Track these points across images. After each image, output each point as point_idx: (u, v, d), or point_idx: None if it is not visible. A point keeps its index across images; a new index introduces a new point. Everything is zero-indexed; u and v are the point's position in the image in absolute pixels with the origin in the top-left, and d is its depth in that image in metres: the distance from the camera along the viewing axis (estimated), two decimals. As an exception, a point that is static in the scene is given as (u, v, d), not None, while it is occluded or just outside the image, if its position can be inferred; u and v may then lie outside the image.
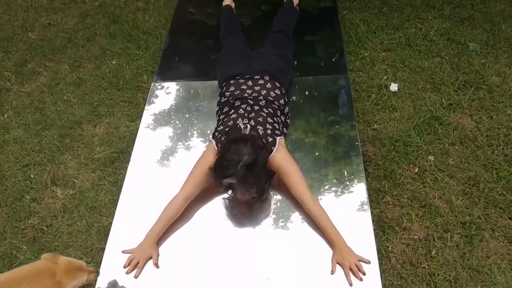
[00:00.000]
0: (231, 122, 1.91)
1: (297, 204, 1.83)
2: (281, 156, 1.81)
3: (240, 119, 1.90)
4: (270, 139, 1.82)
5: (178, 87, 2.48)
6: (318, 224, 1.72)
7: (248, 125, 1.86)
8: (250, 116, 1.92)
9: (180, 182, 1.83)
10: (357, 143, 2.06)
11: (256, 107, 1.97)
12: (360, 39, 2.88)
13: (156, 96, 2.43)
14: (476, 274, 1.79)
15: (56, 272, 1.36)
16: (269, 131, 1.86)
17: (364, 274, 1.60)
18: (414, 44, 2.80)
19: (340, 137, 2.09)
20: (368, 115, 2.42)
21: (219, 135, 1.88)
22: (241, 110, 1.96)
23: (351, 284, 1.59)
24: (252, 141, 1.71)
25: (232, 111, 1.98)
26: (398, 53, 2.76)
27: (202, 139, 2.17)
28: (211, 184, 1.81)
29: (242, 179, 1.64)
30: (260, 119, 1.91)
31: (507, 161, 2.16)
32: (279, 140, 1.85)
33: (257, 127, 1.86)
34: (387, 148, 2.25)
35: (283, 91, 2.14)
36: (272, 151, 1.80)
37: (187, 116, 2.30)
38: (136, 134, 2.25)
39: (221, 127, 1.93)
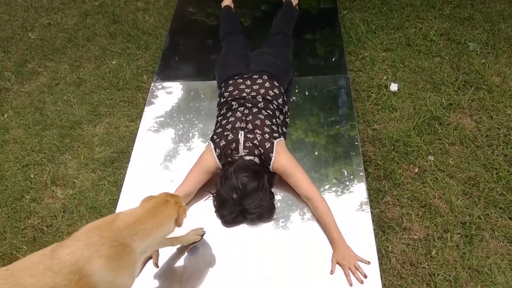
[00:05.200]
0: (230, 125, 1.91)
1: (297, 204, 1.83)
2: (283, 159, 1.81)
3: (238, 123, 1.91)
4: (268, 145, 1.82)
5: (178, 87, 2.48)
6: (323, 221, 1.73)
7: (243, 132, 1.85)
8: (247, 119, 1.92)
9: (180, 182, 1.84)
10: (357, 143, 2.06)
11: (254, 109, 1.97)
12: (360, 39, 2.87)
13: (156, 96, 2.44)
14: (476, 274, 1.79)
15: (167, 199, 1.41)
16: (266, 135, 1.86)
17: (364, 275, 1.61)
18: (414, 44, 2.80)
19: (340, 137, 2.09)
20: (368, 115, 2.42)
21: (217, 138, 1.88)
22: (238, 113, 1.96)
23: (351, 284, 1.59)
24: (245, 169, 1.71)
25: (230, 113, 1.98)
26: (398, 53, 2.75)
27: (202, 139, 2.17)
28: (210, 184, 1.82)
29: (243, 212, 1.74)
30: (258, 122, 1.91)
31: (507, 161, 2.16)
32: (277, 143, 1.85)
33: (255, 131, 1.87)
34: (387, 148, 2.25)
35: (282, 90, 2.14)
36: (271, 158, 1.80)
37: (187, 116, 2.30)
38: (136, 134, 2.25)
39: (220, 130, 1.93)
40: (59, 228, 2.13)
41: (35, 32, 3.43)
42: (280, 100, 2.08)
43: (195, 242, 1.73)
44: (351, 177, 1.93)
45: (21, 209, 2.24)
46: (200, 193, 1.88)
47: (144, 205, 1.41)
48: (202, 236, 1.74)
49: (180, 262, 1.72)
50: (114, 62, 3.01)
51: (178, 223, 1.41)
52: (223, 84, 2.19)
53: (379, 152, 2.24)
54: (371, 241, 1.71)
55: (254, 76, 2.13)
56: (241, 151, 1.81)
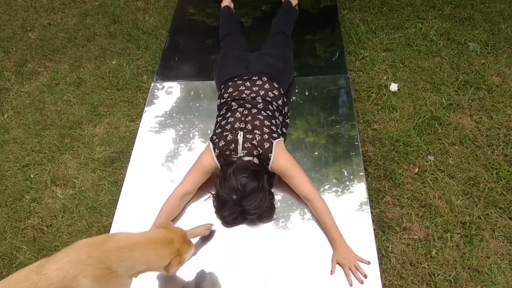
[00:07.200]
0: (229, 126, 1.91)
1: (297, 204, 1.83)
2: (282, 159, 1.81)
3: (237, 123, 1.91)
4: (267, 145, 1.82)
5: (178, 87, 2.48)
6: (322, 221, 1.73)
7: (242, 133, 1.85)
8: (247, 119, 1.92)
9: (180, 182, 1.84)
10: (357, 143, 2.06)
11: (254, 110, 1.96)
12: (360, 39, 2.87)
13: (156, 96, 2.44)
14: (476, 274, 1.79)
15: (174, 240, 1.35)
16: (266, 136, 1.86)
17: (365, 275, 1.61)
18: (414, 44, 2.80)
19: (340, 137, 2.09)
20: (368, 115, 2.42)
21: (216, 139, 1.88)
22: (237, 113, 1.96)
23: (351, 284, 1.59)
24: (244, 170, 1.71)
25: (229, 114, 1.98)
26: (398, 53, 2.75)
27: (202, 139, 2.17)
28: (210, 184, 1.82)
29: (243, 213, 1.73)
30: (257, 122, 1.91)
31: (507, 161, 2.16)
32: (276, 143, 1.85)
33: (254, 131, 1.86)
34: (387, 148, 2.25)
35: (282, 92, 2.14)
36: (269, 158, 1.80)
37: (187, 116, 2.30)
38: (136, 134, 2.25)
39: (219, 130, 1.93)
40: (59, 228, 2.13)
41: (35, 32, 3.42)
42: (279, 101, 2.08)
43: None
44: (351, 177, 1.93)
45: (21, 209, 2.24)
46: (199, 193, 1.88)
47: (149, 233, 1.36)
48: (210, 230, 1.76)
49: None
50: (114, 62, 3.01)
51: (166, 269, 1.34)
52: (222, 86, 2.19)
53: (379, 152, 2.24)
54: (371, 241, 1.71)
55: (254, 78, 2.13)
56: (240, 152, 1.81)
